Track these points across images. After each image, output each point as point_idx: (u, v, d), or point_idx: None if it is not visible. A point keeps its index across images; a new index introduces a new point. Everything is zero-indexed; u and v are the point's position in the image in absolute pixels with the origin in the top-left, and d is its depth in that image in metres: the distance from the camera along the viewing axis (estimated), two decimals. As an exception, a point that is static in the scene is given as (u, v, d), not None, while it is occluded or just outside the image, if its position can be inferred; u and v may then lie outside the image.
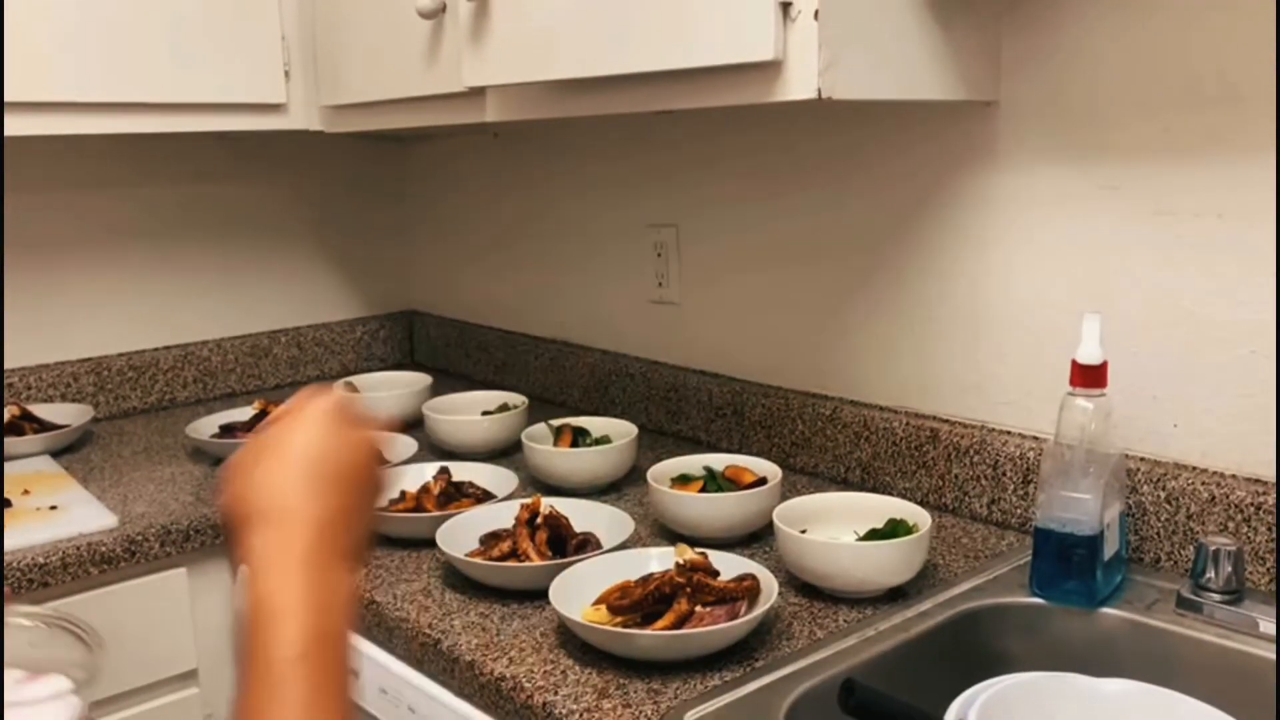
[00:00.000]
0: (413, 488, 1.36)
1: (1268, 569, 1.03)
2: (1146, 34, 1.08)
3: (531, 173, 1.94)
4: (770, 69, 1.00)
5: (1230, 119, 1.04)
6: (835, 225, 1.42)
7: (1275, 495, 1.02)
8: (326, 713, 0.58)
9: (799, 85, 0.99)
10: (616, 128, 1.74)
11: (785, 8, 0.97)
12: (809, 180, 1.45)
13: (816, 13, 0.96)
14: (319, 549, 0.62)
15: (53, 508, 1.41)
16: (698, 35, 1.03)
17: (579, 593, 1.03)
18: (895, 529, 1.11)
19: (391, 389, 1.84)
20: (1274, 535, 1.03)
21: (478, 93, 1.36)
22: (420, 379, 1.88)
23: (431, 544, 1.20)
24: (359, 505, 0.66)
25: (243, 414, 1.74)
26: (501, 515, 1.24)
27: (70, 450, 1.71)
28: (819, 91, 0.98)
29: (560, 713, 0.89)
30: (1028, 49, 1.18)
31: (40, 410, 1.76)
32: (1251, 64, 1.01)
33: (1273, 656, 0.94)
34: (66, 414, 1.77)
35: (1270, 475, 1.05)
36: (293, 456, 0.65)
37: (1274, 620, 0.96)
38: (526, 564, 1.12)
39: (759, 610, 0.96)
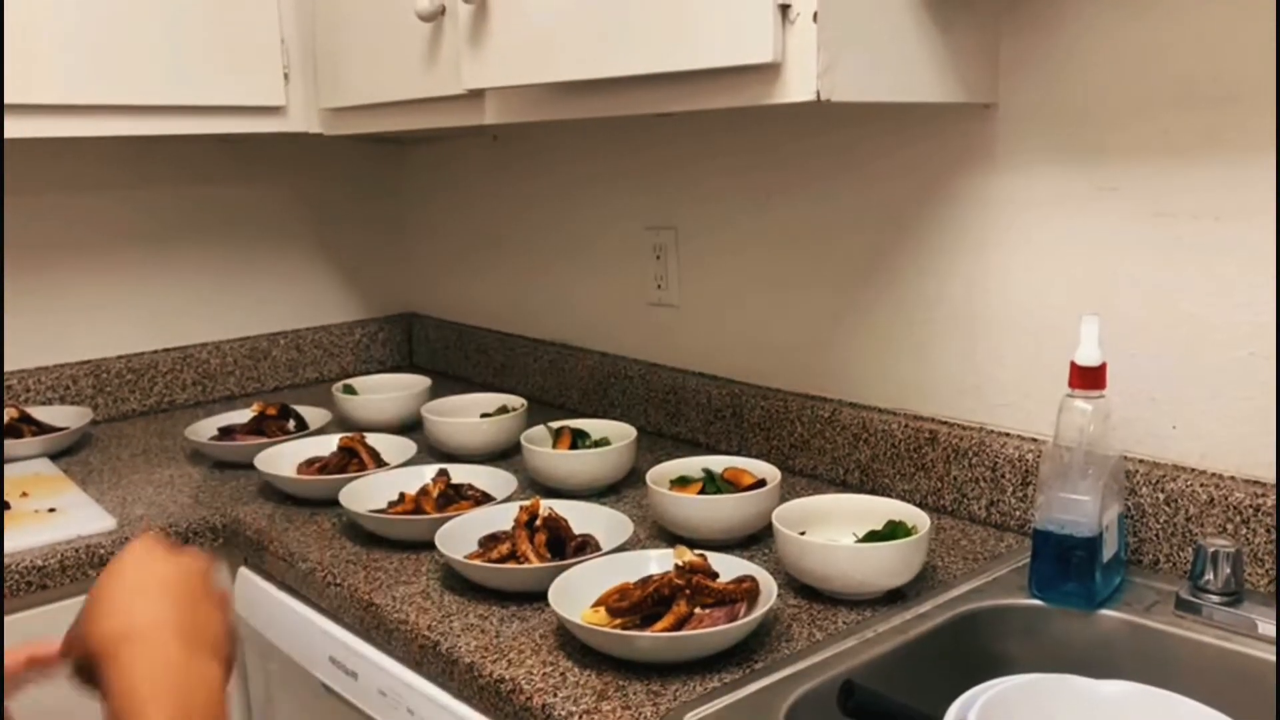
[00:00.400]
0: (412, 490, 1.36)
1: (1266, 571, 1.03)
2: (1145, 35, 1.08)
3: (530, 175, 1.94)
4: (769, 71, 1.00)
5: (1229, 120, 1.04)
6: (834, 227, 1.42)
7: (1275, 497, 1.02)
8: None
9: (798, 87, 0.99)
10: (615, 130, 1.74)
11: (784, 10, 0.97)
12: (807, 183, 1.45)
13: (815, 15, 0.96)
14: (181, 650, 0.66)
15: (51, 510, 1.41)
16: (697, 37, 1.03)
17: (578, 595, 1.03)
18: (894, 531, 1.11)
19: (390, 391, 1.84)
20: (1273, 537, 1.03)
21: (477, 95, 1.36)
22: (419, 381, 1.88)
23: (430, 546, 1.20)
24: (201, 609, 0.71)
25: (242, 416, 1.74)
26: (500, 517, 1.24)
27: (69, 453, 1.71)
28: (818, 94, 0.98)
29: (560, 714, 0.89)
30: (1026, 51, 1.18)
31: (39, 413, 1.76)
32: (1250, 65, 1.01)
33: (1271, 658, 0.94)
34: (65, 416, 1.77)
35: (1269, 477, 1.05)
36: (127, 586, 0.70)
37: (1272, 622, 0.96)
38: (526, 566, 1.12)
39: (758, 612, 0.96)
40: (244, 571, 1.39)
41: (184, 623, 0.68)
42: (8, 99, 1.44)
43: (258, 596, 1.35)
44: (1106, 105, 1.12)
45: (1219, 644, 0.97)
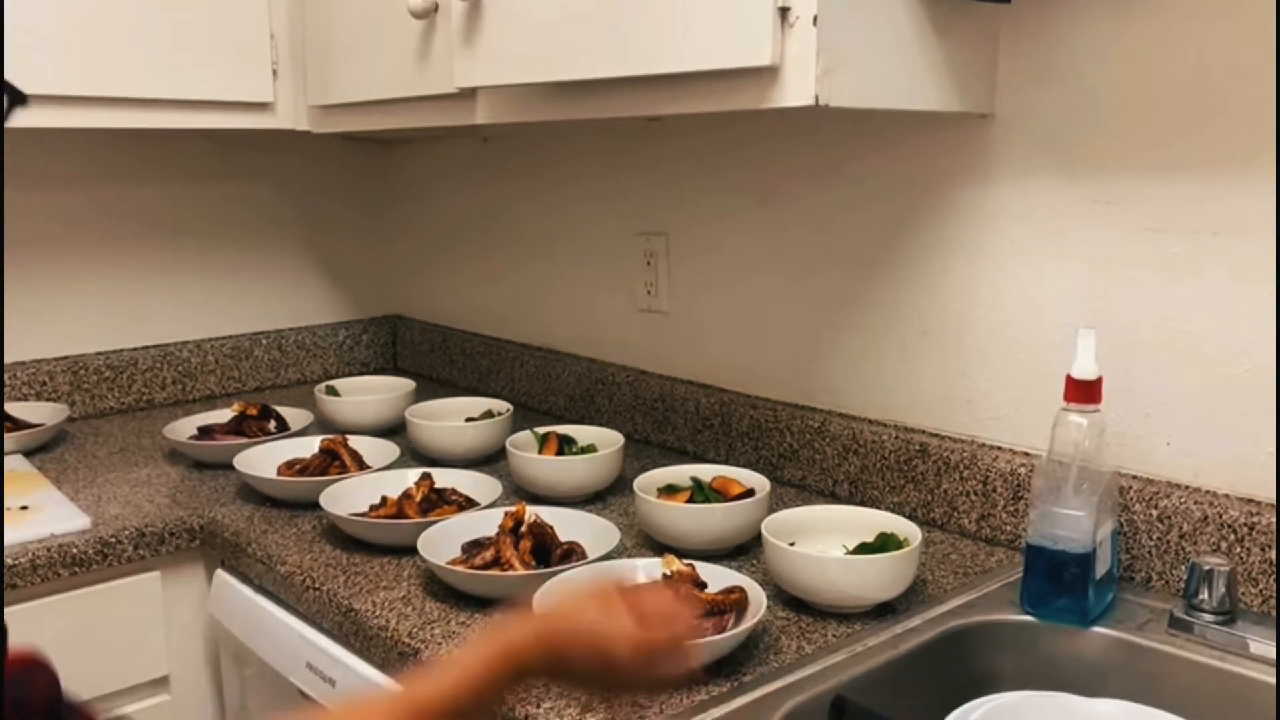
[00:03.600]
0: (394, 494, 1.34)
1: (1260, 590, 1.02)
2: (1143, 49, 1.08)
3: (520, 178, 1.92)
4: (767, 75, 0.99)
5: (1226, 135, 1.03)
6: (826, 236, 1.41)
7: (1275, 516, 1.01)
8: None
9: (796, 92, 0.98)
10: (607, 134, 1.73)
11: (784, 13, 0.96)
12: (801, 191, 1.44)
13: (815, 19, 0.95)
14: (492, 677, 0.72)
15: (24, 508, 1.38)
16: (694, 39, 1.02)
17: (563, 603, 1.01)
18: (885, 543, 1.09)
19: (374, 393, 1.81)
20: (1266, 556, 1.02)
21: (468, 94, 1.35)
22: (403, 384, 1.86)
23: (412, 551, 1.17)
24: (565, 674, 0.76)
25: (222, 416, 1.72)
26: (484, 523, 1.22)
27: (44, 450, 1.68)
28: (816, 98, 0.97)
29: (542, 726, 0.87)
30: (1024, 62, 1.17)
31: (14, 408, 1.73)
32: (1248, 80, 1.01)
33: (1264, 678, 0.93)
34: (41, 413, 1.74)
35: (1263, 495, 1.04)
36: (574, 610, 0.75)
37: (1265, 641, 0.95)
38: (510, 573, 1.10)
39: (747, 624, 0.95)
40: (221, 574, 1.36)
41: (513, 683, 0.73)
42: (-11, 88, 1.41)
43: (234, 600, 1.32)
44: (1104, 118, 1.12)
45: (1212, 663, 0.96)
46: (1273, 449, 1.03)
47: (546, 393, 1.88)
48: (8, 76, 1.45)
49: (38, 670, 0.58)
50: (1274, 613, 1.01)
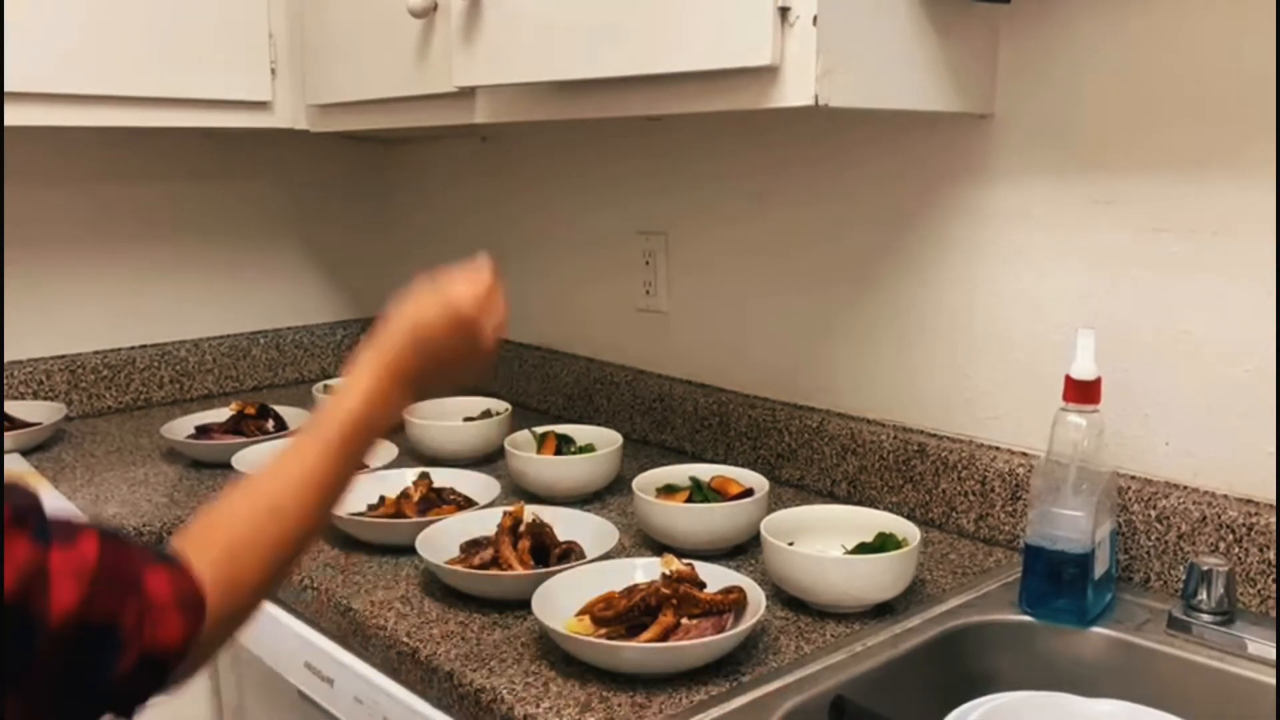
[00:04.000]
0: (392, 493, 1.34)
1: (1259, 590, 1.02)
2: (1144, 49, 1.08)
3: (519, 177, 1.92)
4: (767, 74, 0.99)
5: (1226, 135, 1.03)
6: (825, 236, 1.41)
7: (1275, 516, 1.01)
8: (343, 476, 0.80)
9: (796, 92, 0.97)
10: (606, 133, 1.73)
11: (784, 12, 0.96)
12: (800, 191, 1.44)
13: (815, 19, 0.95)
14: (399, 383, 0.83)
15: (21, 507, 1.38)
16: (694, 39, 1.02)
17: (562, 603, 1.01)
18: (884, 543, 1.09)
19: (372, 393, 1.81)
20: (1265, 556, 1.02)
21: (467, 93, 1.34)
22: (401, 383, 1.86)
23: (411, 551, 1.17)
24: (439, 370, 0.86)
25: (220, 415, 1.71)
26: (483, 523, 1.22)
27: (41, 449, 1.67)
28: (816, 98, 0.96)
29: (541, 726, 0.87)
30: (1023, 62, 1.17)
31: (12, 407, 1.73)
32: (1249, 80, 1.01)
33: (1262, 678, 0.93)
34: (38, 412, 1.73)
35: (1262, 496, 1.04)
36: (413, 330, 0.85)
37: (1263, 642, 0.95)
38: (508, 573, 1.09)
39: (746, 624, 0.95)
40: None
41: (413, 368, 0.84)
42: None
43: (232, 599, 1.32)
44: (1103, 118, 1.12)
45: (1211, 664, 0.96)
46: (1271, 449, 1.03)
47: (545, 392, 1.88)
48: (7, 75, 1.45)
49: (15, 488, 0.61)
50: (1272, 613, 1.01)
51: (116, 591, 0.62)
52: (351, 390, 0.81)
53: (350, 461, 0.80)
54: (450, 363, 0.87)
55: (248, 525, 0.74)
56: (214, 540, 0.72)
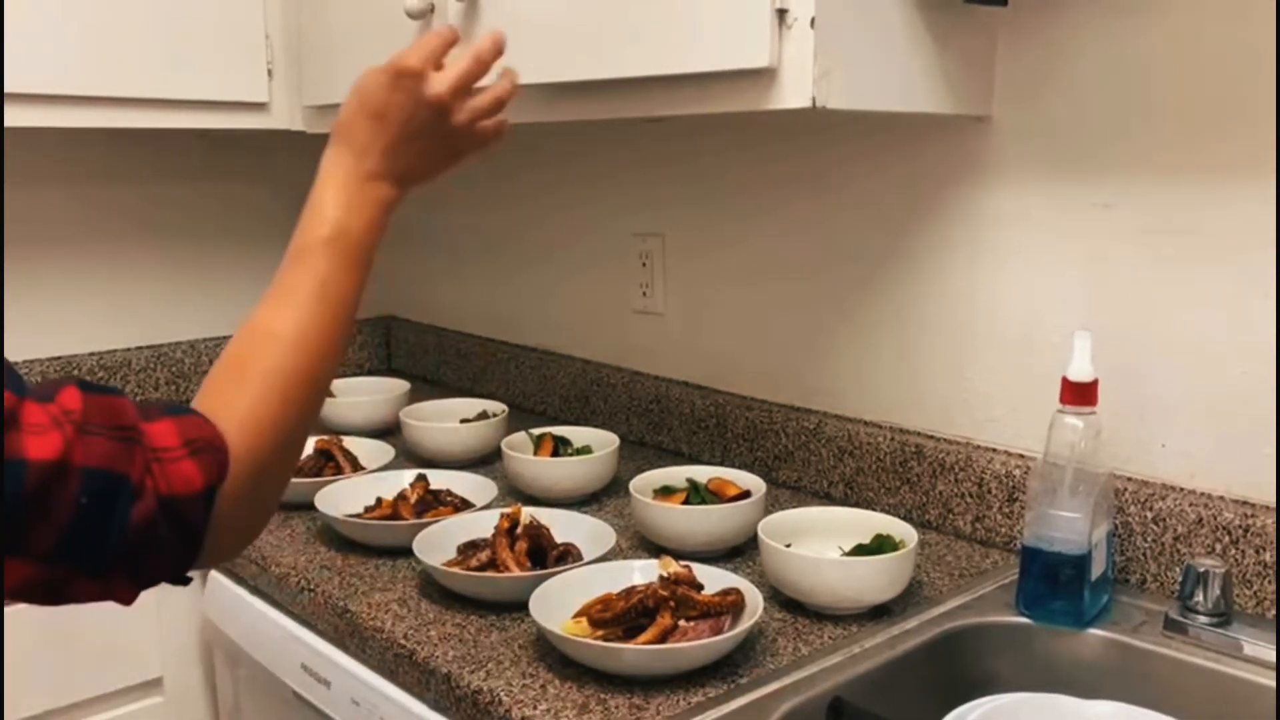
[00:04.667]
0: (389, 495, 1.34)
1: (1255, 592, 1.03)
2: (1142, 51, 1.08)
3: (515, 179, 1.92)
4: (764, 76, 0.99)
5: (1224, 138, 1.03)
6: (823, 238, 1.41)
7: (1273, 517, 1.01)
8: (339, 287, 0.76)
9: (793, 93, 0.98)
10: (603, 135, 1.73)
11: (781, 15, 0.96)
12: (797, 192, 1.44)
13: (813, 20, 0.95)
14: (360, 167, 0.81)
15: (17, 509, 1.37)
16: (692, 41, 1.02)
17: (559, 605, 1.01)
18: (881, 545, 1.10)
19: (368, 394, 1.81)
20: (1261, 558, 1.02)
21: (465, 95, 1.34)
22: (398, 385, 1.86)
23: (408, 553, 1.17)
24: (402, 140, 0.83)
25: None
26: (480, 524, 1.22)
27: (37, 450, 1.67)
28: (813, 100, 0.97)
29: (539, 728, 0.87)
30: (1022, 64, 1.17)
31: (7, 409, 1.72)
32: (1248, 82, 1.01)
33: (1258, 680, 0.94)
34: (34, 413, 1.73)
35: (1258, 497, 1.04)
36: (357, 95, 0.83)
37: (1260, 643, 0.95)
38: (506, 575, 1.09)
39: (744, 625, 0.95)
40: (215, 575, 1.36)
41: (377, 150, 0.81)
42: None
43: (228, 601, 1.32)
44: (1101, 120, 1.12)
45: (1207, 665, 0.96)
46: (1268, 451, 1.03)
47: (542, 394, 1.88)
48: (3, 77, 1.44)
49: None
50: (1268, 614, 1.02)
51: (112, 440, 0.60)
52: (323, 200, 0.79)
53: (350, 273, 0.77)
54: (413, 130, 0.83)
55: (257, 362, 0.71)
56: (222, 385, 0.70)
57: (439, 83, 0.84)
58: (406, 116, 0.83)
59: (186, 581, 0.68)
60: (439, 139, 0.86)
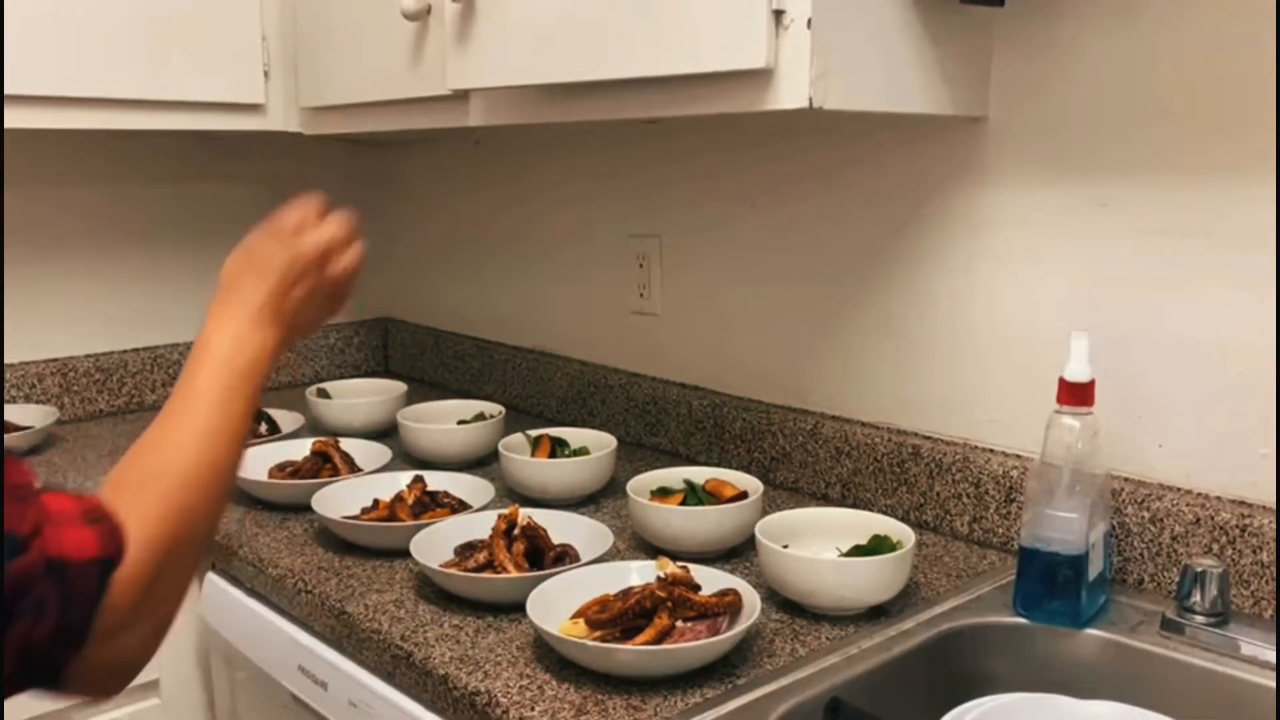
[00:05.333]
0: (386, 496, 1.34)
1: (1252, 592, 1.03)
2: (1139, 50, 1.08)
3: (512, 180, 1.92)
4: (761, 77, 0.99)
5: (1222, 137, 1.04)
6: (819, 239, 1.41)
7: (1275, 518, 1.01)
8: (226, 418, 0.79)
9: (790, 94, 0.98)
10: (600, 136, 1.73)
11: (778, 16, 0.96)
12: (794, 193, 1.44)
13: (809, 21, 0.95)
14: (246, 313, 0.85)
15: (13, 511, 1.37)
16: (689, 42, 1.02)
17: (557, 606, 1.01)
18: (879, 546, 1.09)
19: (365, 396, 1.81)
20: (1258, 558, 1.02)
21: (461, 96, 1.34)
22: (395, 387, 1.86)
23: (405, 554, 1.17)
24: (282, 291, 0.87)
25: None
26: (477, 525, 1.22)
27: (33, 453, 1.67)
28: (810, 101, 0.97)
29: (536, 729, 0.87)
30: (1018, 64, 1.18)
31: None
32: (1246, 82, 1.01)
33: (1256, 680, 0.94)
34: (30, 415, 1.73)
35: (1255, 497, 1.04)
36: (242, 250, 0.90)
37: (1257, 643, 0.95)
38: (503, 576, 1.09)
39: (741, 626, 0.95)
40: (212, 577, 1.36)
41: (261, 299, 0.86)
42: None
43: (225, 603, 1.32)
44: (1098, 120, 1.12)
45: (1204, 665, 0.96)
46: (1265, 451, 1.03)
47: (539, 395, 1.88)
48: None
49: None
50: (1265, 614, 1.02)
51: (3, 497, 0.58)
52: (210, 339, 0.83)
53: (237, 405, 0.80)
54: (292, 280, 0.88)
55: (152, 477, 0.72)
56: (118, 488, 0.70)
57: (315, 239, 0.91)
58: (286, 269, 0.88)
59: (55, 684, 0.64)
60: (318, 288, 0.91)
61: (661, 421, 1.64)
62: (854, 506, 1.32)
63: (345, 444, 1.53)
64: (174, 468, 0.74)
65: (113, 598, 0.63)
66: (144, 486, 0.71)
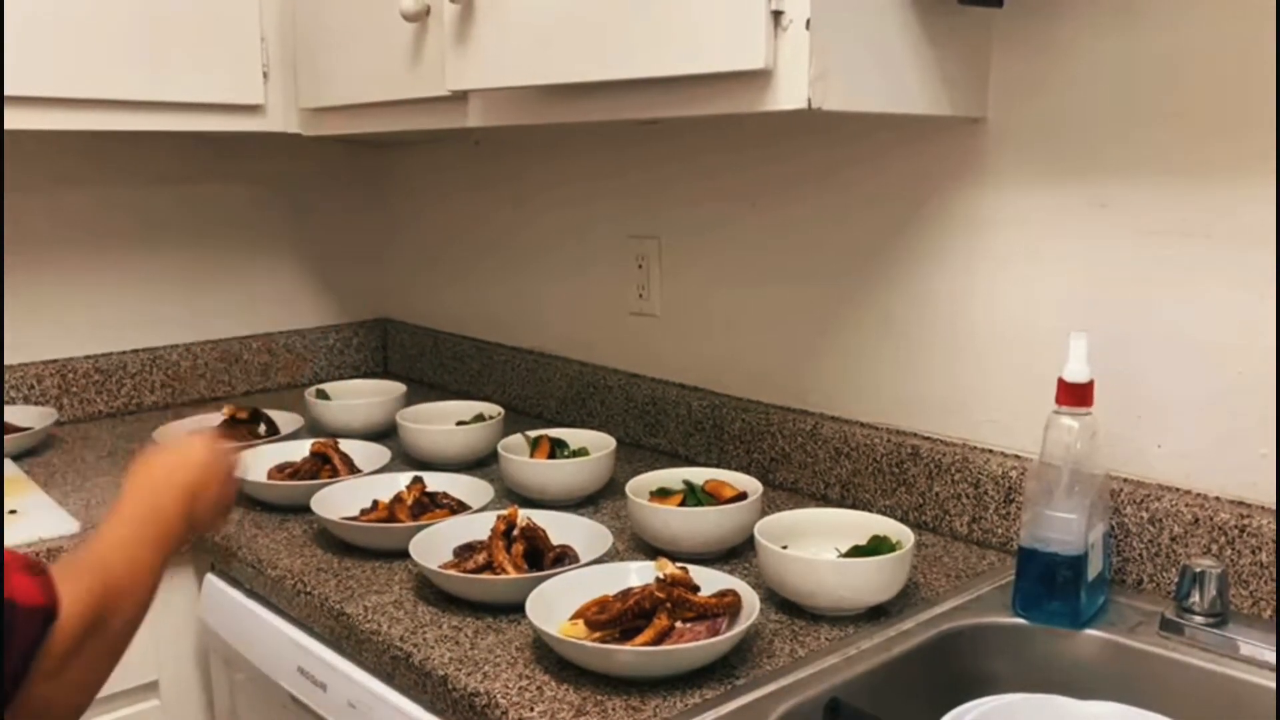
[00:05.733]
0: (385, 497, 1.34)
1: (1251, 592, 1.03)
2: (1138, 51, 1.08)
3: (512, 181, 1.92)
4: (760, 78, 0.99)
5: (1222, 137, 1.04)
6: (819, 239, 1.41)
7: (1275, 518, 1.01)
8: (149, 557, 0.89)
9: (789, 95, 0.98)
10: (599, 137, 1.73)
11: (777, 16, 0.96)
12: (793, 194, 1.44)
13: (808, 22, 0.95)
14: (132, 532, 0.91)
15: (12, 512, 1.37)
16: (688, 43, 1.02)
17: (556, 607, 1.01)
18: (878, 546, 1.09)
19: (364, 397, 1.81)
20: (1257, 558, 1.02)
21: (460, 97, 1.34)
22: (394, 388, 1.86)
23: (404, 555, 1.17)
24: (178, 516, 0.96)
25: (211, 419, 1.71)
26: (476, 526, 1.22)
27: (32, 454, 1.66)
28: (809, 101, 0.97)
29: (536, 730, 0.87)
30: (1017, 65, 1.18)
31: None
32: (1246, 82, 1.01)
33: (1255, 680, 0.94)
34: (29, 416, 1.73)
35: (1254, 498, 1.04)
36: (142, 469, 0.98)
37: (1256, 644, 0.95)
38: (502, 577, 1.09)
39: (740, 627, 0.94)
40: (211, 578, 1.36)
41: (148, 518, 0.93)
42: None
43: (225, 604, 1.31)
44: (1098, 120, 1.12)
45: (1203, 665, 0.96)
46: (1264, 451, 1.04)
47: (538, 396, 1.88)
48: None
49: None
50: (1265, 615, 1.02)
51: None
52: (112, 536, 0.90)
53: (154, 554, 0.91)
54: (191, 493, 0.98)
55: (88, 570, 0.83)
56: (65, 563, 0.81)
57: (212, 472, 1.02)
58: (192, 486, 0.99)
59: None
60: (212, 499, 1.02)
61: (661, 422, 1.64)
62: (853, 507, 1.33)
63: (344, 445, 1.53)
64: (105, 564, 0.85)
65: (50, 645, 0.72)
66: (79, 571, 0.82)
